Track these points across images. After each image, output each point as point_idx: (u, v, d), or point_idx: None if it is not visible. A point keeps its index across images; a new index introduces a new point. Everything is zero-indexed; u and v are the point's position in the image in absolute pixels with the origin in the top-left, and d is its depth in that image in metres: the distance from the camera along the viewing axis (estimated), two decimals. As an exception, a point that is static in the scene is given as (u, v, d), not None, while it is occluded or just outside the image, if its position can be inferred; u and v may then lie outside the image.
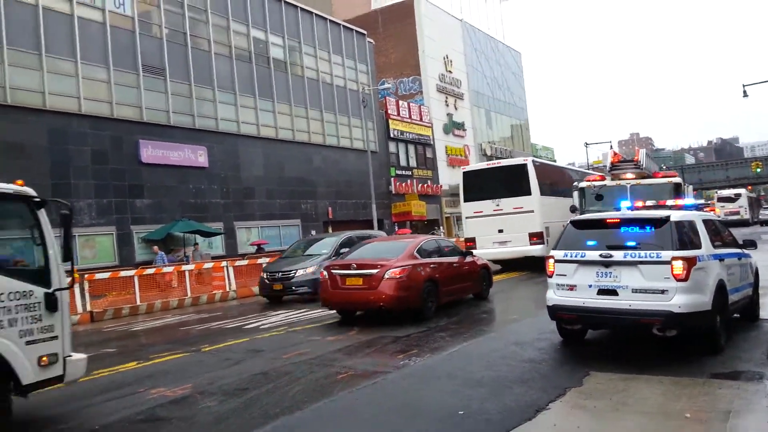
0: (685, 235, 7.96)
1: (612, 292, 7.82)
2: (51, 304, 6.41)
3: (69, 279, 6.78)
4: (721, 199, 56.49)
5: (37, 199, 6.64)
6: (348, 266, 12.35)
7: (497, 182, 21.40)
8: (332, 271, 12.43)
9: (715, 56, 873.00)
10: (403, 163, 43.79)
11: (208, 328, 13.04)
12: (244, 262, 21.45)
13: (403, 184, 42.51)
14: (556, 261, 8.40)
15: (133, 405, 7.04)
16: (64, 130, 23.49)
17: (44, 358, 6.30)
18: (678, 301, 7.41)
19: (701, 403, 6.08)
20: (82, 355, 6.99)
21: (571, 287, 8.19)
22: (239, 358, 9.44)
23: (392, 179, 41.72)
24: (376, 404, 6.64)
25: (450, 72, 52.42)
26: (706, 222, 8.76)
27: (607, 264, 7.87)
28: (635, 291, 7.65)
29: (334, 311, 12.99)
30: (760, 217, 57.91)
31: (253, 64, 32.25)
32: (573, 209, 17.37)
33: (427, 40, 49.91)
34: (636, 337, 8.98)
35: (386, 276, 11.67)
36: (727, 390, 6.45)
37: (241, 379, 7.97)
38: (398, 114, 43.37)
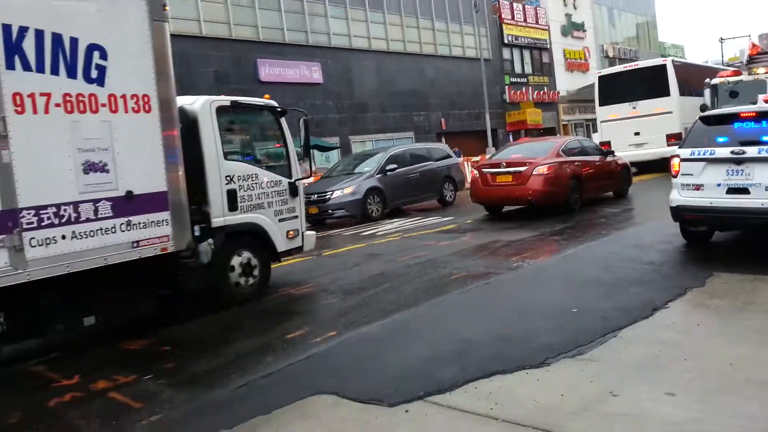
0: (830, 129, 7.25)
1: (743, 190, 7.34)
2: (293, 190, 8.29)
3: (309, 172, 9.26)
4: None
5: (280, 109, 8.43)
6: (498, 165, 13.41)
7: (634, 84, 21.09)
8: (483, 169, 13.69)
9: None
10: (518, 69, 42.10)
11: (327, 234, 13.64)
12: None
13: (518, 92, 41.04)
14: (682, 160, 7.94)
15: (258, 302, 7.64)
16: (187, 52, 24.51)
17: (290, 232, 8.24)
18: (817, 198, 6.85)
19: (836, 302, 5.73)
20: (312, 232, 8.96)
21: (698, 187, 7.76)
22: (357, 261, 9.89)
23: (506, 87, 40.34)
24: (489, 302, 6.80)
25: (569, -33, 48.82)
26: None
27: (739, 161, 7.36)
28: (769, 188, 7.14)
29: (453, 217, 13.82)
30: None
31: (362, -26, 31.73)
32: (704, 108, 16.12)
33: (544, -68, 46.49)
34: (766, 238, 8.45)
35: (534, 172, 12.67)
36: None
37: (361, 280, 8.38)
38: (512, 18, 41.35)
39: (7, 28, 5.12)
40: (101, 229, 5.77)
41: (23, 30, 5.26)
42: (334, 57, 29.88)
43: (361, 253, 10.64)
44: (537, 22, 43.54)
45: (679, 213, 8.08)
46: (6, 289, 5.18)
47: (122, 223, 5.92)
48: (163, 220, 6.27)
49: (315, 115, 28.75)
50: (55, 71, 5.49)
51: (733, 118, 7.86)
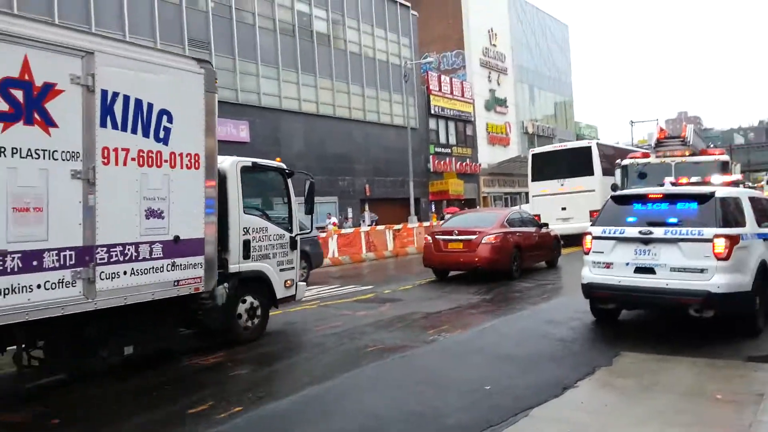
0: (730, 213, 7.72)
1: (649, 270, 7.65)
2: (293, 244, 9.21)
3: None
4: None
5: (288, 171, 9.45)
6: (450, 232, 14.60)
7: (563, 163, 22.76)
8: (436, 236, 14.75)
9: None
10: (442, 140, 43.43)
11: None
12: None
13: (442, 162, 42.18)
14: (594, 237, 8.23)
15: (168, 371, 7.22)
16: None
17: (288, 282, 9.11)
18: (717, 280, 7.20)
19: (735, 385, 5.96)
20: (303, 283, 9.86)
21: (608, 265, 8.03)
22: (271, 329, 9.57)
23: (431, 157, 41.41)
24: (403, 376, 6.69)
25: (494, 46, 51.49)
26: (752, 200, 8.47)
27: (647, 241, 7.69)
28: (674, 270, 7.47)
29: (372, 286, 13.86)
30: None
31: (297, 37, 32.27)
32: (614, 188, 16.98)
33: (472, 12, 49.02)
34: (671, 318, 8.79)
35: (483, 241, 13.87)
36: (763, 373, 6.30)
37: (274, 350, 8.12)
38: (440, 90, 42.93)
39: (104, 93, 6.19)
40: (153, 268, 6.69)
41: (116, 95, 6.32)
42: (262, 116, 29.91)
43: (276, 321, 10.31)
44: (463, 95, 45.33)
45: (590, 290, 8.30)
46: (76, 316, 5.98)
47: (169, 264, 6.85)
48: (198, 264, 7.20)
49: (240, 173, 28.51)
50: (134, 131, 6.52)
51: (642, 198, 8.26)
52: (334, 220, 27.42)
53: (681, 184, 10.09)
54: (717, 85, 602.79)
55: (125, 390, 6.48)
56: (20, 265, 5.46)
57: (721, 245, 7.24)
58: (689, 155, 16.38)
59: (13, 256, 5.41)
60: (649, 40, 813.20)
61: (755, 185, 51.40)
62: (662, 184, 9.64)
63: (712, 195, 7.75)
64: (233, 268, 8.09)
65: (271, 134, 30.25)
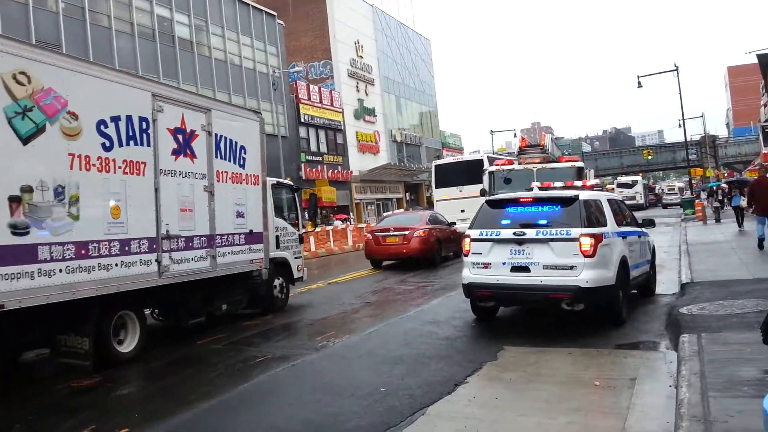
0: (592, 214, 8.34)
1: (524, 269, 8.08)
2: (300, 239, 13.00)
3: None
4: (620, 185, 60.44)
5: (295, 187, 13.49)
6: (387, 230, 18.35)
7: (460, 172, 25.29)
8: (375, 233, 18.44)
9: (611, 49, 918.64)
10: (313, 148, 43.44)
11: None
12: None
13: (314, 170, 42.18)
14: (472, 240, 8.57)
15: (42, 395, 6.58)
16: None
17: (299, 266, 12.57)
18: (585, 276, 7.75)
19: (609, 371, 6.43)
20: (305, 268, 13.10)
21: (486, 265, 8.39)
22: (152, 345, 9.05)
23: (302, 164, 41.27)
24: (297, 385, 6.56)
25: (361, 57, 52.35)
26: (610, 201, 9.22)
27: (521, 242, 8.12)
28: (546, 267, 7.94)
29: None
30: (664, 200, 63.10)
31: (158, 42, 30.92)
32: (483, 193, 17.80)
33: (338, 24, 49.56)
34: (546, 312, 9.33)
35: (414, 235, 17.65)
36: (632, 359, 6.85)
37: (158, 366, 7.68)
38: (309, 98, 42.91)
39: (216, 135, 9.41)
40: (240, 250, 10.00)
41: (219, 136, 9.54)
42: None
43: (156, 336, 9.78)
44: (332, 104, 45.63)
45: (471, 289, 8.64)
46: (205, 281, 9.10)
47: (247, 248, 10.18)
48: (261, 249, 10.56)
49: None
50: (229, 159, 9.79)
51: (515, 202, 8.72)
52: None
53: (547, 189, 10.77)
54: (565, 97, 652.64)
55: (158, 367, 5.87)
56: (184, 245, 8.63)
57: (587, 243, 7.81)
58: (548, 162, 17.54)
59: (181, 239, 8.56)
60: (504, 55, 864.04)
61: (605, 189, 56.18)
62: (531, 189, 10.24)
63: (576, 198, 8.34)
64: (272, 254, 11.09)
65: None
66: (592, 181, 12.99)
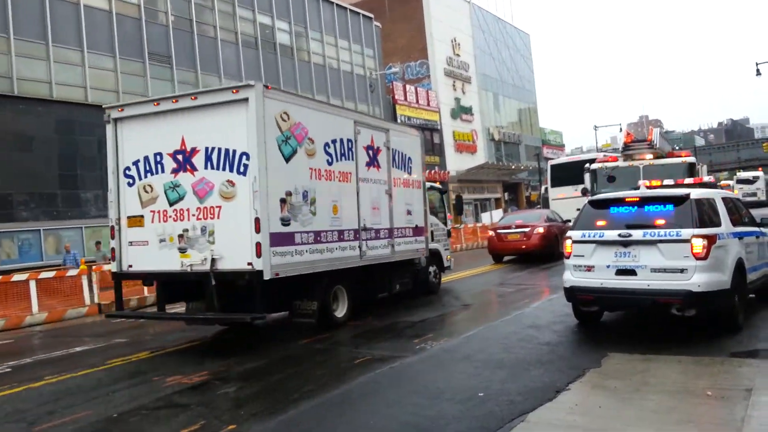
0: (705, 213, 7.87)
1: (630, 272, 7.75)
2: (449, 233, 15.74)
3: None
4: (739, 181, 56.97)
5: (443, 189, 16.34)
6: (509, 227, 20.16)
7: (576, 172, 24.83)
8: (498, 231, 20.42)
9: (726, 35, 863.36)
10: (410, 148, 43.48)
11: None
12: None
13: (411, 170, 42.23)
14: (574, 242, 8.31)
15: (151, 392, 7.03)
16: (71, 120, 23.48)
17: (449, 257, 15.18)
18: (697, 279, 7.33)
19: (722, 381, 6.05)
20: (452, 260, 15.88)
21: (589, 268, 8.11)
22: (253, 343, 9.46)
23: (400, 165, 41.40)
24: (395, 387, 6.62)
25: (458, 55, 52.01)
26: (725, 200, 8.67)
27: (626, 243, 7.78)
28: (654, 270, 7.57)
29: None
30: None
31: (260, 50, 32.14)
32: (584, 192, 17.20)
33: (435, 22, 49.49)
34: (654, 318, 8.91)
35: (535, 232, 19.30)
36: (748, 368, 6.42)
37: (260, 365, 7.98)
38: (405, 99, 43.15)
39: (393, 150, 11.96)
40: (409, 242, 12.33)
41: (395, 150, 12.10)
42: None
43: (254, 334, 10.19)
44: (428, 104, 45.64)
45: (573, 293, 8.38)
46: (381, 266, 11.40)
47: (414, 240, 12.51)
48: (422, 240, 12.92)
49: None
50: (400, 168, 12.26)
51: (620, 202, 8.37)
52: None
53: (654, 187, 10.27)
54: (676, 88, 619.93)
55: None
56: (374, 235, 11.03)
57: (699, 245, 7.38)
58: (656, 158, 16.66)
59: (372, 230, 10.98)
60: (608, 46, 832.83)
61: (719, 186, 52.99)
62: (637, 188, 9.80)
63: (687, 197, 7.89)
64: (430, 246, 13.42)
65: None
66: (705, 178, 12.27)
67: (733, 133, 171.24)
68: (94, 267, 16.77)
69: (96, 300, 16.16)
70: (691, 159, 16.71)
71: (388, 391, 6.50)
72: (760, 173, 60.84)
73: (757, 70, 38.76)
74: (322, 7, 36.84)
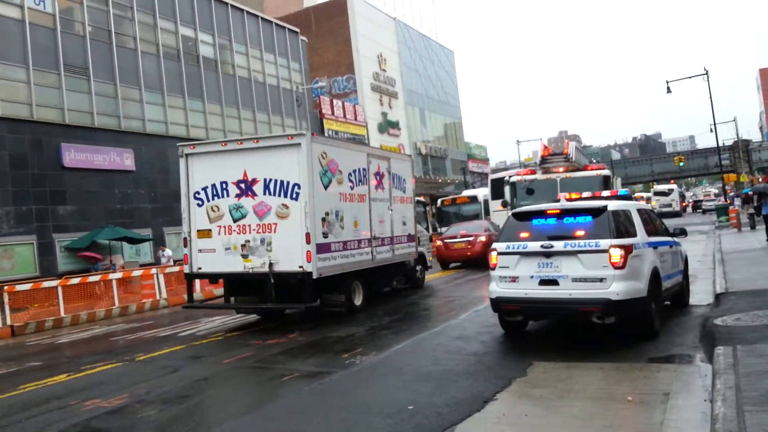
0: (622, 224, 8.16)
1: (553, 282, 7.93)
2: (430, 239, 20.47)
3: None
4: (657, 193, 61.56)
5: (426, 203, 23.18)
6: (455, 236, 22.17)
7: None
8: (445, 240, 22.43)
9: (639, 55, 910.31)
10: (338, 162, 43.40)
11: (140, 336, 12.51)
12: (176, 269, 20.65)
13: (340, 184, 42.13)
14: (499, 253, 8.45)
15: (66, 418, 6.64)
16: (-20, 133, 22.15)
17: (429, 258, 18.45)
18: (616, 288, 7.58)
19: (641, 386, 6.25)
20: (433, 260, 20.40)
21: (514, 279, 8.25)
22: (177, 365, 9.08)
23: (328, 179, 41.24)
24: (324, 403, 6.50)
25: (384, 71, 52.52)
26: (640, 211, 9.03)
27: (548, 254, 7.97)
28: (575, 280, 7.78)
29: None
30: (703, 206, 64.71)
31: (182, 62, 31.34)
32: (504, 204, 17.59)
33: (361, 38, 49.84)
34: (576, 326, 9.15)
35: (477, 240, 21.33)
36: (665, 373, 6.66)
37: (182, 387, 7.66)
38: (332, 113, 43.13)
39: (393, 174, 15.00)
40: (405, 246, 15.31)
41: (394, 174, 15.09)
42: (148, 144, 28.68)
43: (180, 356, 9.82)
44: (356, 119, 45.78)
45: (498, 304, 8.50)
46: (384, 267, 14.34)
47: (408, 245, 15.47)
48: (413, 245, 15.88)
49: (126, 204, 27.21)
50: (398, 188, 15.19)
51: (542, 214, 8.57)
52: (169, 253, 25.17)
53: (574, 199, 10.59)
54: (593, 105, 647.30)
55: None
56: (381, 243, 13.93)
57: (616, 255, 7.64)
58: (573, 171, 17.20)
59: (379, 239, 13.89)
60: (530, 65, 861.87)
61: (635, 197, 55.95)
62: (558, 200, 10.08)
63: (605, 208, 8.17)
64: (418, 249, 16.49)
65: (158, 162, 29.03)
66: (620, 191, 12.76)
67: (647, 148, 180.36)
68: (6, 287, 15.82)
69: (8, 322, 15.23)
70: (606, 172, 17.38)
71: (317, 408, 6.37)
72: (674, 186, 66.49)
73: (668, 88, 41.00)
74: (246, 20, 36.38)
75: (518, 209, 9.44)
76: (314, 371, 7.89)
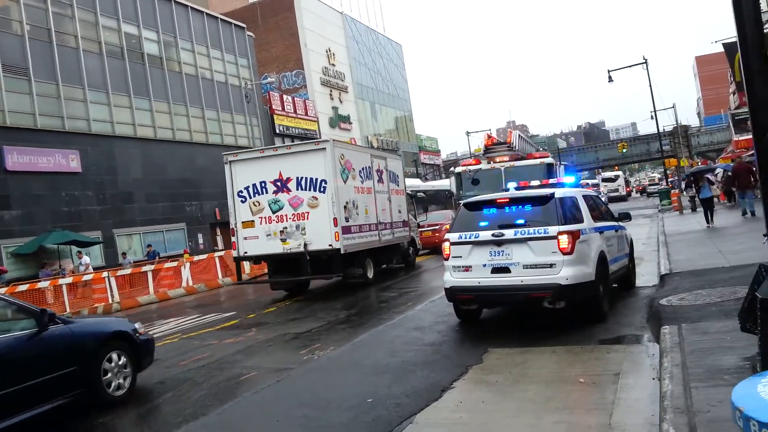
0: (569, 211, 8.37)
1: (505, 269, 8.10)
2: (418, 225, 22.56)
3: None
4: (604, 180, 64.88)
5: (413, 194, 24.52)
6: (422, 226, 23.45)
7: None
8: (419, 229, 23.42)
9: (581, 46, 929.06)
10: (290, 158, 43.09)
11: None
12: (128, 271, 20.27)
13: (292, 180, 41.87)
14: (452, 244, 8.57)
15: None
16: None
17: (418, 241, 21.87)
18: (565, 273, 7.79)
19: (593, 367, 6.45)
20: (420, 244, 22.74)
21: (467, 268, 8.39)
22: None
23: (280, 175, 40.93)
24: (283, 400, 6.50)
25: (333, 65, 52.35)
26: (585, 197, 9.27)
27: (500, 243, 8.13)
28: (526, 267, 7.96)
29: (235, 312, 14.05)
30: (648, 190, 70.37)
31: (126, 60, 30.61)
32: (450, 195, 17.78)
33: (309, 33, 49.52)
34: (529, 312, 9.36)
35: (443, 229, 21.08)
36: (615, 354, 6.88)
37: (136, 392, 7.54)
38: (283, 109, 42.76)
39: (389, 172, 18.46)
40: (401, 230, 18.69)
41: (389, 171, 18.41)
42: (94, 144, 27.98)
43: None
44: (306, 114, 45.50)
45: (453, 293, 8.63)
46: (386, 247, 17.48)
47: (403, 229, 18.88)
48: (407, 230, 19.29)
49: (74, 207, 26.49)
50: (394, 182, 18.70)
51: (492, 203, 8.73)
52: (87, 260, 23.36)
53: (523, 188, 10.76)
54: (539, 95, 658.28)
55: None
56: (384, 227, 17.13)
57: (565, 240, 7.85)
58: (517, 159, 17.37)
59: (383, 223, 17.13)
60: (477, 56, 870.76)
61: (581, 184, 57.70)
62: (507, 189, 10.26)
63: (552, 196, 8.37)
64: (410, 234, 19.43)
65: (105, 162, 28.40)
66: (564, 178, 13.01)
67: (591, 135, 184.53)
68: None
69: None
70: (549, 159, 17.56)
71: (276, 405, 6.38)
72: (619, 172, 72.37)
73: (609, 77, 42.03)
74: (191, 16, 35.71)
75: (470, 199, 9.57)
76: (273, 368, 7.87)
